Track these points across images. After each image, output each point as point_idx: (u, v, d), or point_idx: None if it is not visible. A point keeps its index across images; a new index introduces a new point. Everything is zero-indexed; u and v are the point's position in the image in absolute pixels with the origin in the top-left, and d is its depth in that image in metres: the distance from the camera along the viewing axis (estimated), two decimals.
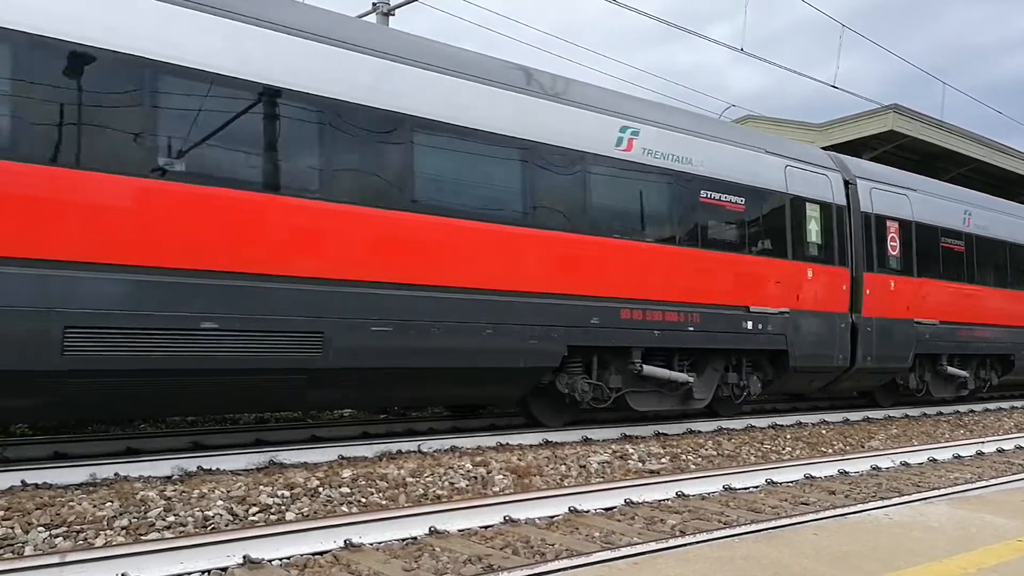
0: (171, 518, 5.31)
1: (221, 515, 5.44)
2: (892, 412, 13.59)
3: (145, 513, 5.35)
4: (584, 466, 7.66)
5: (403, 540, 5.17)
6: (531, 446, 8.52)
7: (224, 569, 4.49)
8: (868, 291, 12.34)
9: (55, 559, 4.23)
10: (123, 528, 5.11)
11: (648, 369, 9.65)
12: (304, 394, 7.53)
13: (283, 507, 5.75)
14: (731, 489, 7.12)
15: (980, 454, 9.84)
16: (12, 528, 4.94)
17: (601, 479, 7.36)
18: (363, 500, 6.11)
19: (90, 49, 6.29)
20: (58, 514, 5.20)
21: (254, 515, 5.56)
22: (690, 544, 4.88)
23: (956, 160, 22.38)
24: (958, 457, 9.56)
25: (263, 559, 4.61)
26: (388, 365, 7.66)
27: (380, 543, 5.07)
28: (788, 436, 10.38)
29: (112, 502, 5.47)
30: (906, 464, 8.83)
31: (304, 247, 7.14)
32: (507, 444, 8.56)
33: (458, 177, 8.22)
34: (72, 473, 6.24)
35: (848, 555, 4.17)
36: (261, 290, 6.86)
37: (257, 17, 7.19)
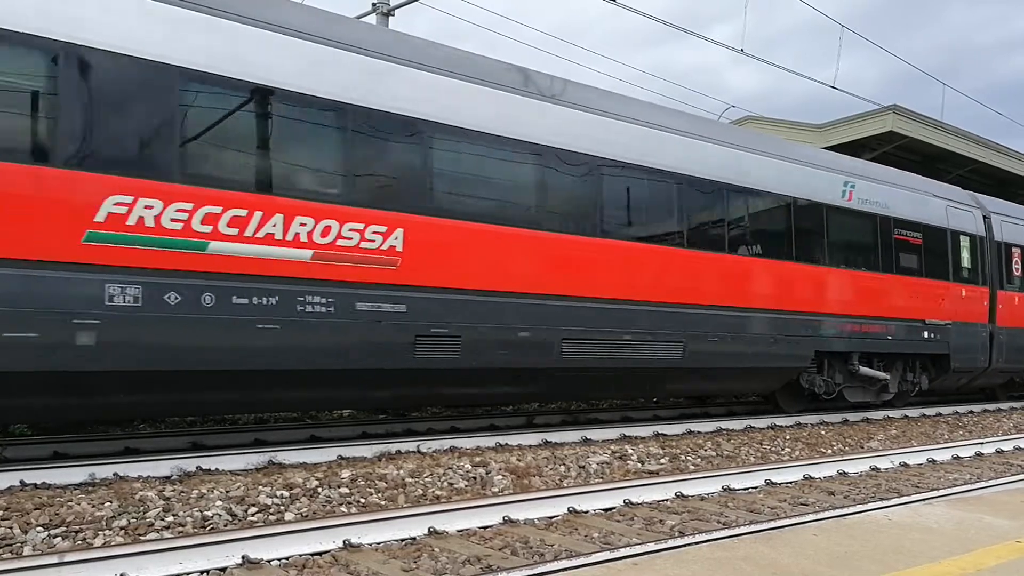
0: (170, 518, 5.31)
1: (220, 515, 5.44)
2: (891, 413, 13.59)
3: (144, 513, 5.35)
4: (583, 466, 7.66)
5: (402, 540, 5.17)
6: (530, 446, 8.52)
7: (223, 569, 4.49)
8: (1000, 305, 15.40)
9: (54, 559, 4.23)
10: (122, 528, 5.10)
11: (863, 369, 12.70)
12: (665, 384, 10.93)
13: (282, 507, 5.75)
14: (730, 490, 7.12)
15: (979, 455, 9.84)
16: (11, 528, 4.94)
17: (600, 480, 7.36)
18: (362, 500, 6.11)
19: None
20: (57, 514, 5.19)
21: (253, 515, 5.56)
22: (689, 545, 4.88)
23: (956, 161, 22.38)
24: (957, 458, 9.56)
25: (262, 559, 4.60)
26: (716, 365, 10.69)
27: (379, 543, 5.07)
28: (787, 437, 10.38)
29: (111, 502, 5.47)
30: (905, 465, 8.83)
31: (684, 284, 10.23)
32: (506, 444, 8.56)
33: (778, 228, 11.64)
34: (71, 473, 6.24)
35: (847, 556, 4.16)
36: (656, 313, 9.88)
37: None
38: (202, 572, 4.45)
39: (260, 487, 6.03)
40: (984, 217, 15.55)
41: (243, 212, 6.88)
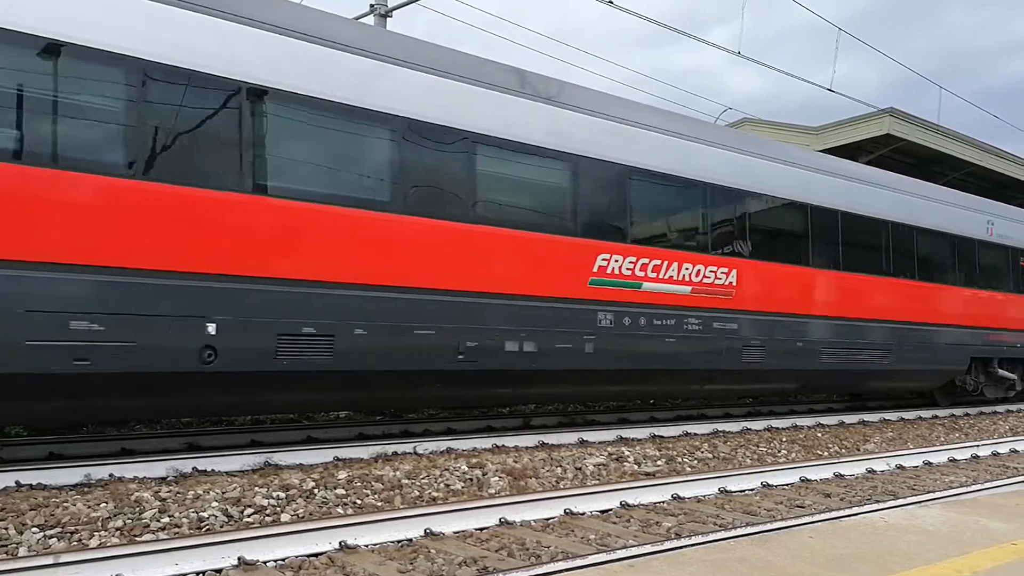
0: (166, 519, 5.30)
1: (216, 516, 5.44)
2: (887, 415, 13.62)
3: (140, 514, 5.34)
4: (580, 468, 7.66)
5: (398, 542, 5.17)
6: (527, 448, 8.52)
7: (219, 570, 4.49)
8: None
9: (49, 560, 4.22)
10: (118, 529, 5.10)
11: (1000, 371, 15.60)
12: (870, 383, 13.77)
13: (278, 508, 5.75)
14: (727, 492, 7.13)
15: (975, 457, 9.86)
16: (6, 529, 4.93)
17: (597, 481, 7.36)
18: (358, 502, 6.10)
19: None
20: (52, 515, 5.18)
21: (249, 516, 5.55)
22: (685, 547, 4.89)
23: (952, 164, 22.42)
24: (953, 460, 9.58)
25: (258, 560, 4.60)
26: (911, 368, 13.66)
27: (375, 545, 5.07)
28: (784, 439, 10.39)
29: (107, 503, 5.45)
30: (901, 467, 8.85)
31: (896, 306, 13.25)
32: (503, 446, 8.56)
33: (948, 261, 14.51)
34: (67, 474, 6.23)
35: (843, 558, 4.17)
36: (878, 328, 12.89)
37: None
38: (198, 573, 4.44)
39: (256, 488, 6.03)
40: None
41: (658, 262, 10.02)
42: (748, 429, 10.98)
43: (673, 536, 5.47)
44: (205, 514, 5.44)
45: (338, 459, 7.41)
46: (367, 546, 5.02)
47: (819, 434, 11.14)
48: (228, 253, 6.77)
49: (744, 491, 7.26)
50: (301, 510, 5.77)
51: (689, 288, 10.23)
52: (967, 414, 14.86)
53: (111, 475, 6.30)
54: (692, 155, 10.53)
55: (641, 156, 9.90)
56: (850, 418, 12.91)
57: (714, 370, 10.75)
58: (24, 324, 5.91)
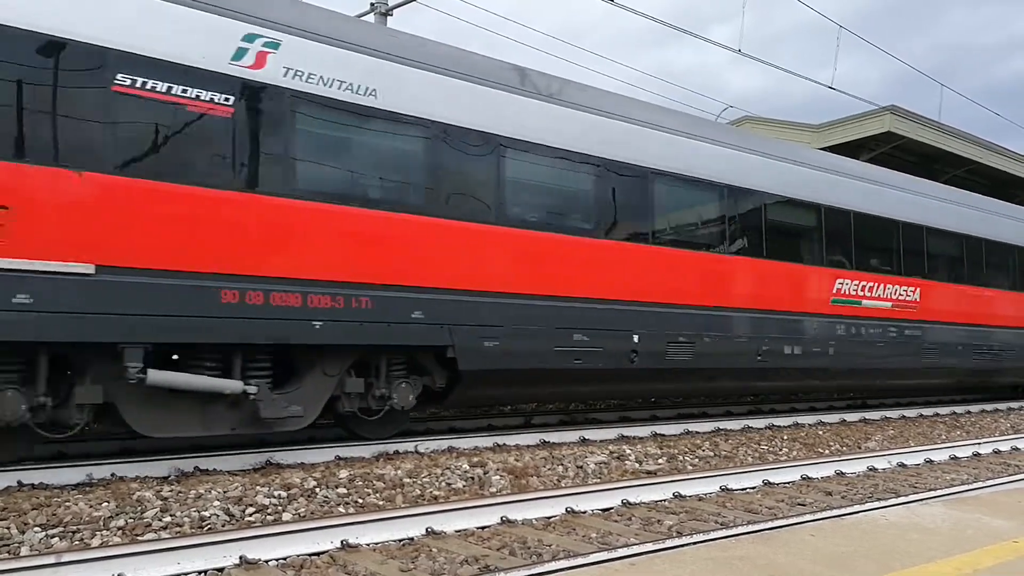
0: (168, 518, 5.31)
1: (218, 515, 5.44)
2: (889, 413, 13.61)
3: (142, 513, 5.35)
4: (581, 467, 7.66)
5: (400, 541, 5.17)
6: (528, 447, 8.52)
7: (220, 569, 4.49)
8: None
9: (51, 559, 4.23)
10: (119, 528, 5.10)
11: None
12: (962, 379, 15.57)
13: (280, 507, 5.75)
14: (728, 490, 7.13)
15: (977, 455, 9.86)
16: (8, 528, 4.94)
17: (598, 480, 7.36)
18: (360, 501, 6.10)
19: None
20: (54, 514, 5.19)
21: (251, 515, 5.56)
22: (687, 545, 4.89)
23: (953, 161, 22.41)
24: (954, 458, 9.57)
25: (260, 559, 4.60)
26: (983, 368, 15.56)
27: (377, 544, 5.07)
28: (785, 437, 10.39)
29: (108, 502, 5.46)
30: (903, 465, 8.84)
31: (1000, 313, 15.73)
32: (504, 445, 8.56)
33: None
34: (68, 473, 6.24)
35: (844, 556, 4.17)
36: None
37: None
38: (200, 572, 4.45)
39: (258, 487, 6.03)
40: None
41: (871, 284, 12.94)
42: (749, 427, 10.98)
43: (675, 534, 5.47)
44: (207, 513, 5.44)
45: (340, 458, 7.41)
46: (369, 545, 5.03)
47: (820, 432, 11.13)
48: (650, 288, 9.92)
49: (746, 489, 7.26)
50: (303, 509, 5.77)
51: (890, 304, 13.29)
52: (968, 412, 14.85)
53: (113, 474, 6.31)
54: (885, 199, 13.60)
55: (863, 204, 13.07)
56: (851, 416, 12.91)
57: (905, 368, 13.63)
58: (555, 336, 8.86)
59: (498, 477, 6.96)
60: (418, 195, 7.90)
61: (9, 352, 6.01)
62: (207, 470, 6.66)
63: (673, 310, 10.03)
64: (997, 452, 10.16)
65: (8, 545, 4.76)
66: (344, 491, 6.22)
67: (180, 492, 5.78)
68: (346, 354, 7.63)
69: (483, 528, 5.53)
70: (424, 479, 6.72)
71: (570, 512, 6.01)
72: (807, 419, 12.08)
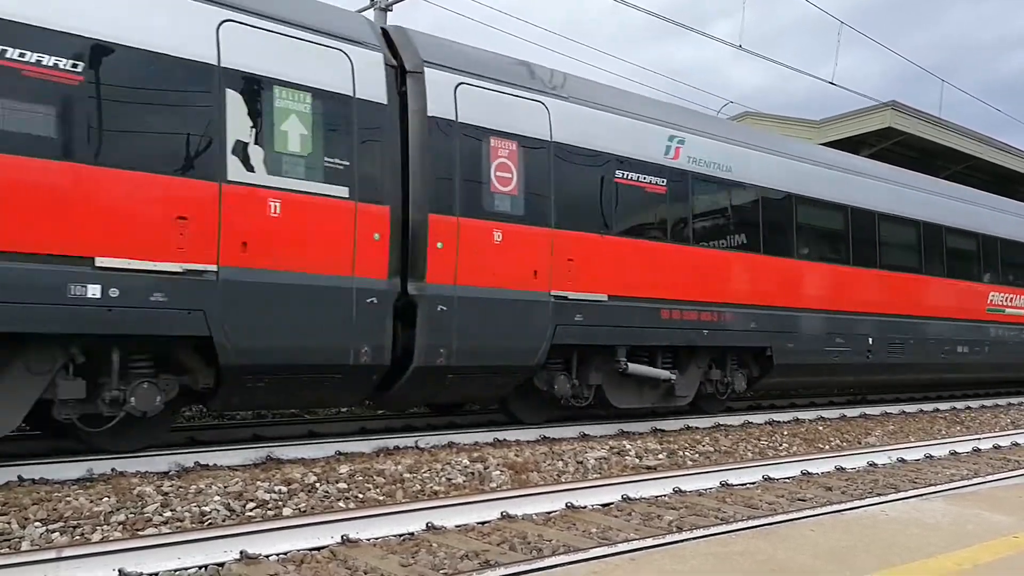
0: (168, 513, 5.31)
1: (218, 510, 5.44)
2: (889, 408, 13.61)
3: (142, 508, 5.35)
4: (581, 462, 7.67)
5: (400, 536, 5.17)
6: (528, 442, 8.52)
7: (221, 564, 4.49)
8: None
9: (51, 554, 4.23)
10: (120, 523, 5.10)
11: None
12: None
13: (280, 503, 5.75)
14: (728, 485, 7.13)
15: (977, 451, 9.86)
16: (9, 523, 4.94)
17: (598, 475, 7.36)
18: (360, 496, 6.11)
19: None
20: (55, 509, 5.19)
21: (251, 511, 5.56)
22: (687, 540, 4.89)
23: (953, 157, 22.37)
24: (955, 453, 9.58)
25: (260, 554, 4.61)
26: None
27: (377, 539, 5.07)
28: (785, 432, 10.39)
29: (109, 497, 5.46)
30: (903, 460, 8.85)
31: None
32: (504, 440, 8.56)
33: None
34: (69, 468, 6.23)
35: (844, 551, 4.17)
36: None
37: None
38: (200, 567, 4.45)
39: (258, 482, 6.03)
40: None
41: (1010, 295, 15.72)
42: (749, 423, 10.98)
43: (674, 530, 5.48)
44: (207, 508, 5.44)
45: (340, 453, 7.41)
46: (369, 540, 5.03)
47: (820, 427, 11.14)
48: (878, 302, 12.80)
49: (746, 484, 7.27)
50: (303, 504, 5.78)
51: (1021, 311, 16.15)
52: (968, 408, 14.86)
53: (113, 469, 6.30)
54: (999, 222, 16.03)
55: (1003, 230, 15.94)
56: (851, 411, 12.91)
57: None
58: (825, 340, 11.85)
59: (498, 472, 6.97)
60: (787, 244, 11.49)
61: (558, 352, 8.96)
62: (207, 465, 6.66)
63: (893, 319, 13.02)
64: (997, 448, 10.17)
65: (9, 540, 4.76)
66: (344, 486, 6.22)
67: (180, 487, 5.78)
68: (704, 353, 10.57)
69: (483, 523, 5.53)
70: (424, 474, 6.72)
71: (570, 507, 6.02)
72: (807, 415, 12.09)
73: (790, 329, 11.30)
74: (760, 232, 11.03)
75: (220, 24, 6.72)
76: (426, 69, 7.94)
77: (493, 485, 6.71)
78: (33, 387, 6.15)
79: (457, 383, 8.37)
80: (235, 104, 6.75)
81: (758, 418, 11.33)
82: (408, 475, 6.64)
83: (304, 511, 5.63)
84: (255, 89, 6.87)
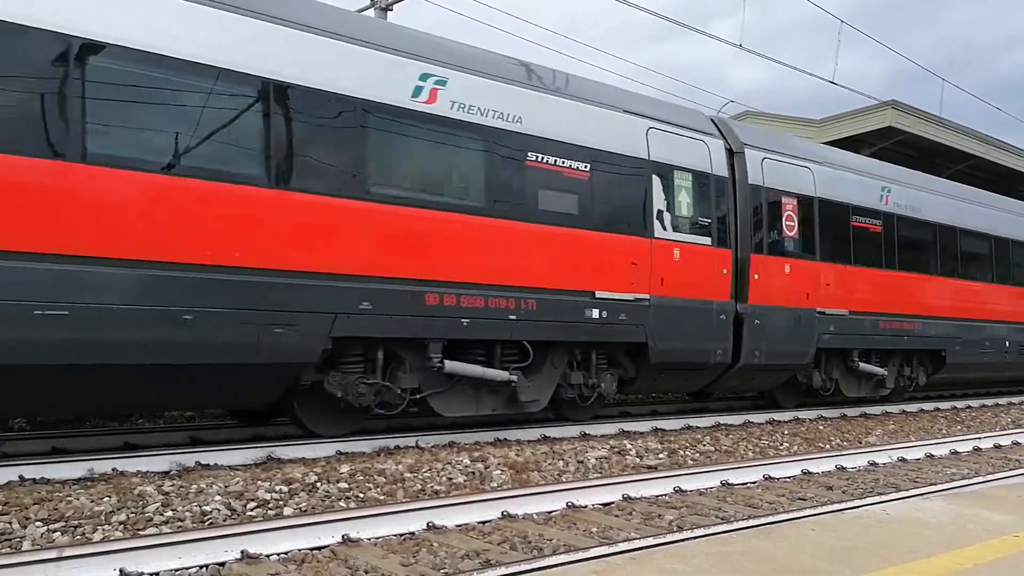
0: (169, 513, 5.31)
1: (219, 510, 5.44)
2: (889, 408, 13.61)
3: (143, 508, 5.35)
4: (582, 462, 7.67)
5: (401, 535, 5.17)
6: (529, 442, 8.52)
7: (222, 564, 4.49)
8: None
9: (52, 554, 4.23)
10: (121, 523, 5.11)
11: None
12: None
13: (281, 502, 5.75)
14: (728, 485, 7.13)
15: (977, 450, 9.86)
16: (10, 523, 4.94)
17: (599, 475, 7.37)
18: (361, 495, 6.11)
19: None
20: (56, 509, 5.20)
21: (252, 510, 5.56)
22: (687, 539, 4.88)
23: (954, 156, 22.37)
24: (955, 453, 9.58)
25: (261, 554, 4.61)
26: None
27: (378, 538, 5.07)
28: (785, 432, 10.39)
29: (110, 497, 5.46)
30: (903, 460, 8.85)
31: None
32: (505, 439, 8.56)
33: None
34: (70, 468, 6.24)
35: (845, 550, 4.17)
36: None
37: None
38: (201, 567, 4.45)
39: (259, 482, 6.04)
40: None
41: None
42: (750, 422, 10.98)
43: (675, 529, 5.48)
44: (208, 508, 5.45)
45: (340, 453, 7.42)
46: (370, 539, 5.03)
47: (821, 427, 11.14)
48: (1010, 313, 15.64)
49: (746, 484, 7.27)
50: (304, 504, 5.78)
51: None
52: (969, 407, 14.85)
53: (114, 469, 6.30)
54: None
55: None
56: (852, 411, 12.91)
57: None
58: (979, 343, 14.70)
59: (499, 472, 6.97)
60: (953, 267, 14.45)
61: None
62: (208, 465, 6.66)
63: (1020, 325, 15.87)
64: (998, 447, 10.17)
65: (10, 540, 4.76)
66: (345, 486, 6.22)
67: (181, 487, 5.78)
68: (898, 355, 13.53)
69: (484, 523, 5.53)
70: (425, 474, 6.72)
71: (571, 507, 6.02)
72: (807, 414, 12.09)
73: (957, 335, 14.28)
74: (937, 258, 14.11)
75: (647, 130, 9.83)
76: (745, 150, 11.01)
77: (494, 484, 6.71)
78: (555, 377, 9.19)
79: (758, 377, 11.51)
80: (656, 185, 9.81)
81: (758, 417, 11.33)
82: (409, 475, 6.65)
83: (305, 511, 5.63)
84: (666, 173, 9.91)
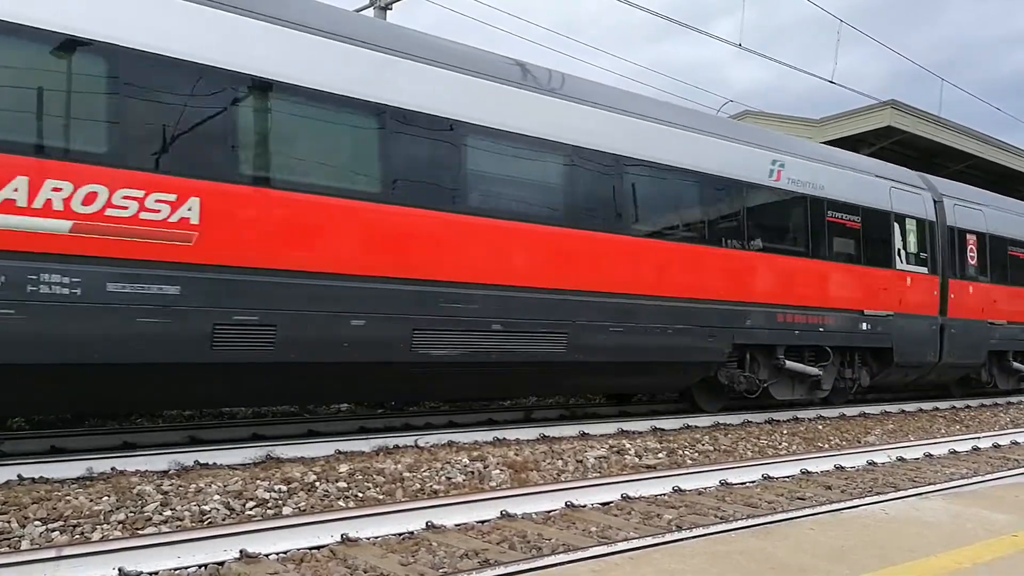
0: (168, 512, 5.31)
1: (218, 509, 5.45)
2: (888, 407, 13.61)
3: (142, 507, 5.35)
4: (581, 461, 7.67)
5: (400, 535, 5.17)
6: (528, 441, 8.52)
7: (221, 563, 4.49)
8: None
9: (51, 553, 4.23)
10: (120, 522, 5.11)
11: None
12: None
13: (280, 502, 5.75)
14: (727, 484, 7.13)
15: (976, 449, 9.87)
16: (9, 522, 4.94)
17: (598, 474, 7.37)
18: (360, 495, 6.11)
19: None
20: (55, 508, 5.19)
21: (251, 509, 5.56)
22: (686, 539, 4.89)
23: (953, 156, 22.37)
24: (954, 452, 9.59)
25: (260, 553, 4.61)
26: None
27: (377, 538, 5.08)
28: (784, 431, 10.40)
29: (109, 496, 5.46)
30: (902, 459, 8.85)
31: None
32: (504, 439, 8.56)
33: None
34: (69, 467, 6.23)
35: (844, 550, 4.17)
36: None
37: None
38: (200, 566, 4.45)
39: (258, 481, 6.03)
40: None
41: None
42: (749, 422, 10.98)
43: (674, 528, 5.48)
44: (207, 507, 5.45)
45: (340, 452, 7.42)
46: (369, 539, 5.03)
47: (820, 426, 11.15)
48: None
49: (745, 483, 7.27)
50: (303, 503, 5.78)
51: None
52: (968, 406, 14.86)
53: (113, 468, 6.30)
54: None
55: None
56: (851, 410, 12.91)
57: None
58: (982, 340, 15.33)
59: (498, 471, 6.97)
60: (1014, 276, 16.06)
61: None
62: (207, 464, 6.66)
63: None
64: (996, 446, 10.17)
65: (9, 539, 4.76)
66: (344, 485, 6.22)
67: (180, 486, 5.78)
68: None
69: (483, 522, 5.53)
70: (424, 473, 6.72)
71: (570, 506, 6.02)
72: (806, 413, 12.09)
73: (1016, 337, 16.27)
74: (1008, 270, 16.02)
75: (890, 188, 13.20)
76: (943, 199, 14.34)
77: (493, 484, 6.71)
78: (835, 372, 12.29)
79: (949, 373, 14.82)
80: (896, 229, 13.11)
81: (757, 417, 11.33)
82: (408, 474, 6.65)
83: (304, 510, 5.63)
84: (901, 221, 13.20)
